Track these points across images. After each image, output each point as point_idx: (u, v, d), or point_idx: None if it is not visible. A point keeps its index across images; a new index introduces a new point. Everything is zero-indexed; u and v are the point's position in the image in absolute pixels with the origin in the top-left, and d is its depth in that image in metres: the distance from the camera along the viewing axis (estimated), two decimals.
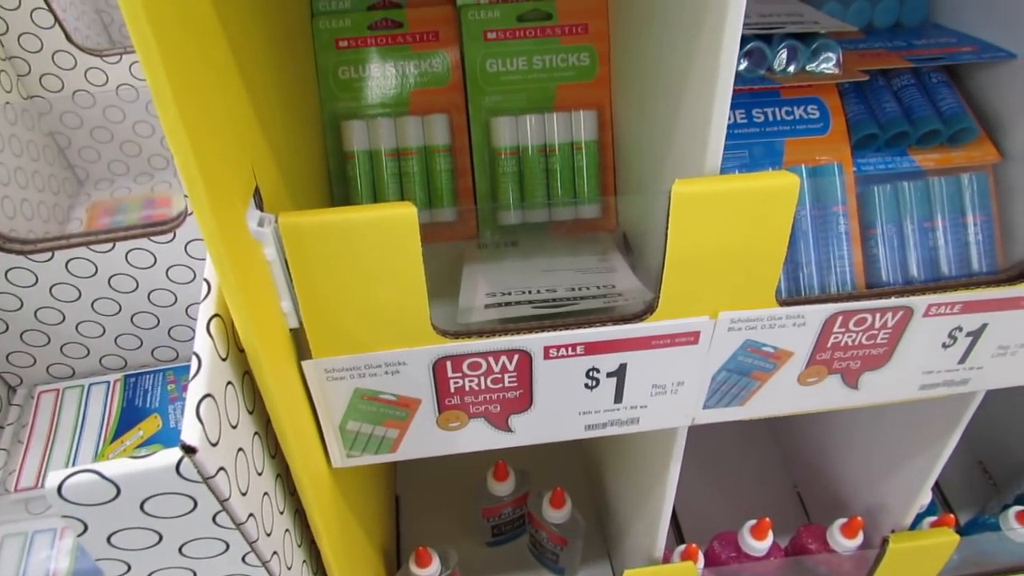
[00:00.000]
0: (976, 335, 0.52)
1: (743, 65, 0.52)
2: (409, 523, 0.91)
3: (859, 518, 0.72)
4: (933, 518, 0.76)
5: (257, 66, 0.44)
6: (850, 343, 0.51)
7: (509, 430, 0.51)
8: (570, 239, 0.64)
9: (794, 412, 0.55)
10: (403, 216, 0.40)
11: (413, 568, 0.71)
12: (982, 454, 0.98)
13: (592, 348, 0.47)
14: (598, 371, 0.49)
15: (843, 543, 0.72)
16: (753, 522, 0.72)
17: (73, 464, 0.83)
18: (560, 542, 0.78)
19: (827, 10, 0.60)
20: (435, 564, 0.72)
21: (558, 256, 0.60)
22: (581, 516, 0.80)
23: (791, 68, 0.52)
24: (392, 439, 0.50)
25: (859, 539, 0.73)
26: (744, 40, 0.52)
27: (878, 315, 0.49)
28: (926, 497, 0.72)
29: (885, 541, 0.70)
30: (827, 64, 0.52)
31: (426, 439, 0.51)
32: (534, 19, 0.64)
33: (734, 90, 0.53)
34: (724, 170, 0.44)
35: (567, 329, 0.46)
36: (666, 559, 0.71)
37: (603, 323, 0.46)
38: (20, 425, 0.90)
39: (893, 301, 0.49)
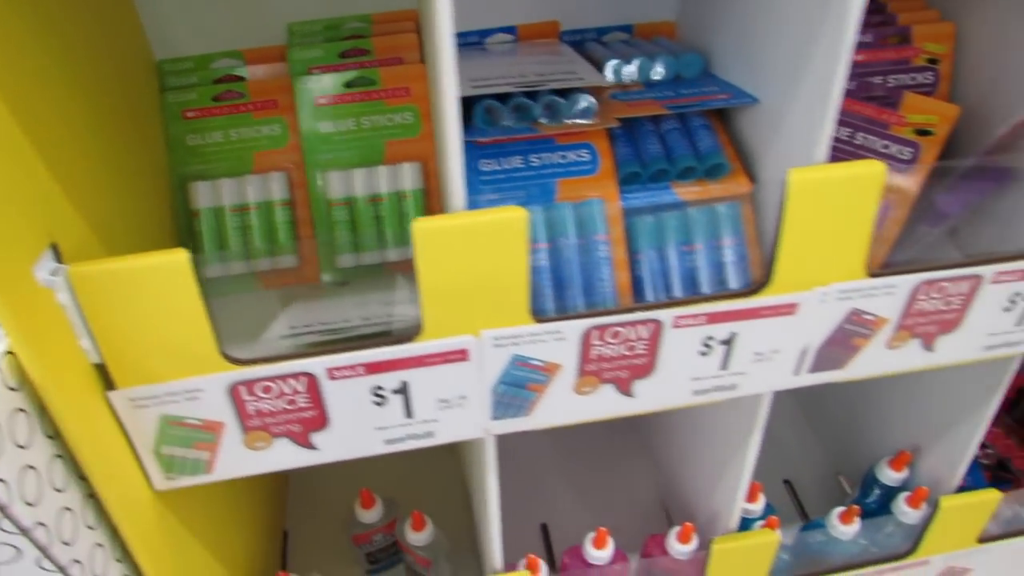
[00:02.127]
0: (729, 343, 0.59)
1: (511, 119, 0.60)
2: (295, 557, 0.96)
3: (689, 525, 0.78)
4: (763, 522, 0.82)
5: (71, 143, 0.51)
6: (612, 354, 0.57)
7: (313, 447, 0.57)
8: (400, 277, 0.71)
9: (580, 421, 0.61)
10: (177, 262, 0.47)
11: None
12: (841, 467, 1.05)
13: (372, 368, 0.53)
14: (383, 388, 0.55)
15: (678, 548, 0.78)
16: (593, 534, 0.78)
17: None
18: (425, 564, 0.83)
19: (610, 67, 0.69)
20: None
21: (378, 292, 0.67)
22: (446, 536, 0.85)
23: (552, 121, 0.60)
24: (205, 460, 0.56)
25: (693, 544, 0.78)
26: (512, 96, 0.61)
27: (631, 328, 0.56)
28: (742, 498, 0.76)
29: (710, 543, 0.76)
30: (584, 117, 0.61)
31: (237, 459, 0.56)
32: (360, 85, 0.72)
33: (512, 139, 0.61)
34: None
35: (346, 352, 0.52)
36: (512, 569, 0.76)
37: (377, 345, 0.53)
38: None
39: (641, 315, 0.56)
